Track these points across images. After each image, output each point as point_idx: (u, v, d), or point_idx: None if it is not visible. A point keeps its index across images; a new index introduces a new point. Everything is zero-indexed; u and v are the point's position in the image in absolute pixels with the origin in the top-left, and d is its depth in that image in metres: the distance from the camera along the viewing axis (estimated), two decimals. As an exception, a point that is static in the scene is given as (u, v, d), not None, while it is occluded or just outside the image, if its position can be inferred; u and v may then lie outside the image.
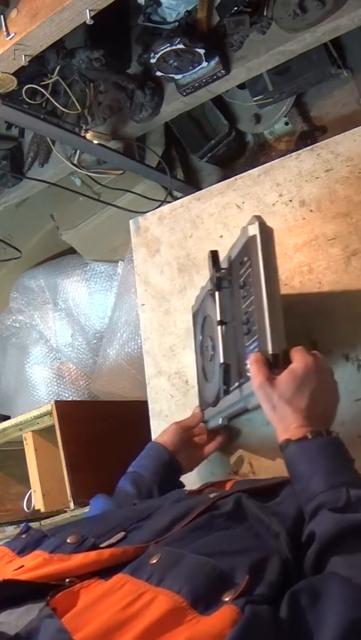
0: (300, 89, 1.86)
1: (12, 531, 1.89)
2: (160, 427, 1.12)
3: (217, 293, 0.89)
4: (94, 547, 0.57)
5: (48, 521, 1.63)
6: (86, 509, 1.41)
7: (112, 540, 0.60)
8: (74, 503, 1.49)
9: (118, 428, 1.71)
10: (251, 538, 0.61)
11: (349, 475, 0.68)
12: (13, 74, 1.31)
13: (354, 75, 1.86)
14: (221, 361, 0.88)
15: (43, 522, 1.65)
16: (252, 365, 0.76)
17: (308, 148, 1.07)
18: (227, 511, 0.65)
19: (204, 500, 0.66)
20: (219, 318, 0.89)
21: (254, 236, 0.83)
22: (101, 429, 1.67)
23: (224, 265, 0.91)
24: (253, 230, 0.83)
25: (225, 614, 0.46)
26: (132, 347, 1.94)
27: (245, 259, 0.85)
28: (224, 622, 0.45)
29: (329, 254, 1.01)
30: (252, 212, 1.10)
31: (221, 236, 1.14)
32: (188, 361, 1.12)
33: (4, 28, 1.18)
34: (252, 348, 0.80)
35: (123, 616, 0.45)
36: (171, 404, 1.12)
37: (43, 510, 1.60)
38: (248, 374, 0.78)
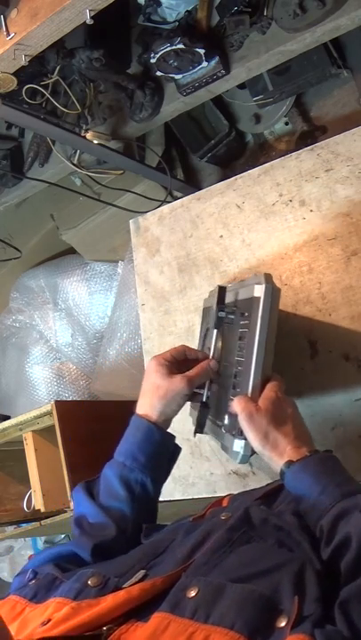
0: (300, 89, 1.86)
1: (12, 531, 1.89)
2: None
3: (215, 332, 0.88)
4: (118, 587, 0.55)
5: (48, 521, 1.63)
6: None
7: (134, 580, 0.57)
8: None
9: (118, 428, 1.69)
10: (277, 550, 0.59)
11: (354, 484, 0.69)
12: (13, 74, 1.31)
13: (354, 75, 1.86)
14: (203, 400, 0.87)
15: (43, 522, 1.65)
16: (238, 401, 0.79)
17: (308, 147, 1.07)
18: (240, 523, 0.63)
19: (218, 523, 0.64)
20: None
21: (258, 299, 0.82)
22: (101, 429, 1.66)
23: (230, 298, 0.90)
24: (259, 292, 0.82)
25: None
26: (132, 347, 1.94)
27: (246, 314, 0.84)
28: None
29: (329, 254, 1.01)
30: (252, 212, 1.11)
31: (221, 236, 1.14)
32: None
33: (4, 28, 1.18)
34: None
35: None
36: (171, 403, 1.12)
37: (43, 510, 1.60)
38: (226, 422, 0.83)
